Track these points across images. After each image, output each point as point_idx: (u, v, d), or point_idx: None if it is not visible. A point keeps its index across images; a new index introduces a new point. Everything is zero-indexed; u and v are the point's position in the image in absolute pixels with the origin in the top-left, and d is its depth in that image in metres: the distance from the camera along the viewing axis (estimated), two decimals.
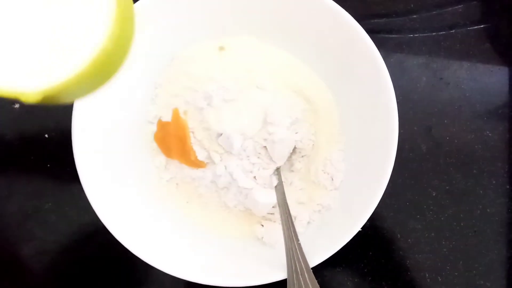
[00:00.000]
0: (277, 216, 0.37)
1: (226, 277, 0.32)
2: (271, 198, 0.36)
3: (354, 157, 0.37)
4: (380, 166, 0.33)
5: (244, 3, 0.37)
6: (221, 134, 0.36)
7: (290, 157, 0.39)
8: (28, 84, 0.18)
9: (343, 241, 0.33)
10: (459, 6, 0.46)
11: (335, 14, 0.35)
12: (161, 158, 0.38)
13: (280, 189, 0.37)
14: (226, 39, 0.40)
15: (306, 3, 0.36)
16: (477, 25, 0.46)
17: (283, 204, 0.36)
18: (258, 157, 0.37)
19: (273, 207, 0.37)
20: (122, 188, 0.35)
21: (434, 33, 0.46)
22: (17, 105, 0.43)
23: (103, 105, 0.36)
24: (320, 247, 0.33)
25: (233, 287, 0.32)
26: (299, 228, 0.36)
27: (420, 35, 0.45)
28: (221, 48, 0.40)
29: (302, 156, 0.39)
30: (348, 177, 0.37)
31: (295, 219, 0.36)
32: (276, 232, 0.36)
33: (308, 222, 0.37)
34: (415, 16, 0.46)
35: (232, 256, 0.36)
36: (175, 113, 0.37)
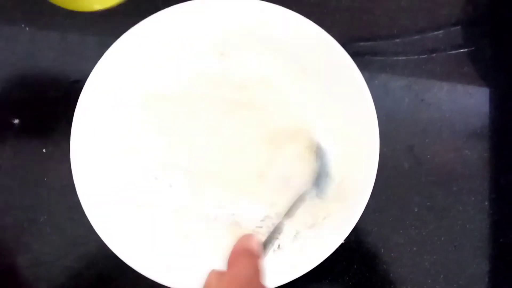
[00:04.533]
0: (265, 229, 0.38)
1: None
2: (260, 211, 0.38)
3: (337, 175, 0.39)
4: (362, 184, 0.35)
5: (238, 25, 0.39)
6: None
7: None
8: None
9: (325, 255, 0.34)
10: (440, 32, 0.49)
11: (321, 39, 0.38)
12: None
13: None
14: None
15: (294, 28, 0.38)
16: (457, 50, 0.49)
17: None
18: None
19: (261, 220, 0.38)
20: (118, 201, 0.37)
21: (416, 57, 0.48)
22: (16, 120, 0.45)
23: (101, 120, 0.38)
24: (304, 260, 0.35)
25: None
26: (285, 240, 0.38)
27: (403, 58, 0.48)
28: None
29: None
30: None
31: (282, 232, 0.38)
32: None
33: (295, 236, 0.38)
34: (398, 40, 0.48)
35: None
36: None
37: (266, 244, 0.31)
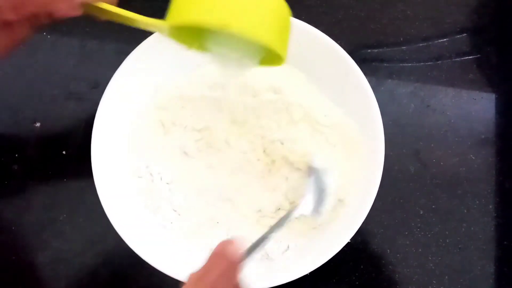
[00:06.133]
0: None
1: None
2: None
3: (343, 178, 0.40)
4: (368, 186, 0.37)
5: None
6: None
7: None
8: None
9: (329, 255, 0.36)
10: (445, 39, 0.50)
11: (330, 48, 0.39)
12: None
13: None
14: None
15: (302, 37, 0.40)
16: (462, 57, 0.50)
17: None
18: None
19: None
20: (135, 200, 0.39)
21: (421, 64, 0.50)
22: (38, 124, 0.47)
23: (120, 123, 0.40)
24: (309, 260, 0.36)
25: None
26: (296, 240, 0.39)
27: (409, 65, 0.49)
28: None
29: None
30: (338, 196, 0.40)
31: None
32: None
33: (288, 246, 0.40)
34: (404, 48, 0.50)
35: None
36: None
37: (249, 251, 0.31)
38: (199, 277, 0.27)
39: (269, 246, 0.39)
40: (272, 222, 0.40)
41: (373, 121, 0.38)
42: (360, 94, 0.39)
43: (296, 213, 0.37)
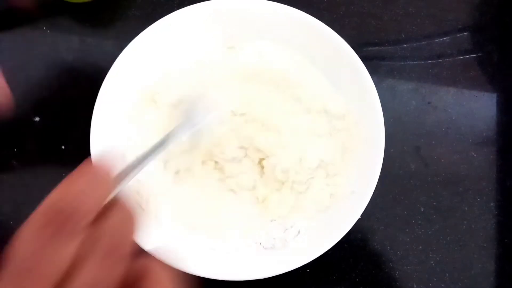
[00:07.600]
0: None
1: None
2: None
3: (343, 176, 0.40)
4: (367, 179, 0.37)
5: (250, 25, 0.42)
6: None
7: None
8: None
9: (325, 247, 0.36)
10: (446, 37, 0.50)
11: (333, 42, 0.40)
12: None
13: None
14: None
15: (311, 32, 0.40)
16: (463, 55, 0.50)
17: None
18: None
19: None
20: (135, 193, 0.39)
21: (423, 61, 0.49)
22: (37, 118, 0.47)
23: (118, 117, 0.39)
24: (321, 241, 0.36)
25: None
26: (305, 224, 0.39)
27: (410, 62, 0.49)
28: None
29: None
30: (337, 191, 0.40)
31: (291, 227, 0.39)
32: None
33: (299, 231, 0.40)
34: (405, 45, 0.50)
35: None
36: None
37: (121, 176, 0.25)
38: None
39: (280, 234, 0.39)
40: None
41: (374, 116, 0.38)
42: (361, 90, 0.39)
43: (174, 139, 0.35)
